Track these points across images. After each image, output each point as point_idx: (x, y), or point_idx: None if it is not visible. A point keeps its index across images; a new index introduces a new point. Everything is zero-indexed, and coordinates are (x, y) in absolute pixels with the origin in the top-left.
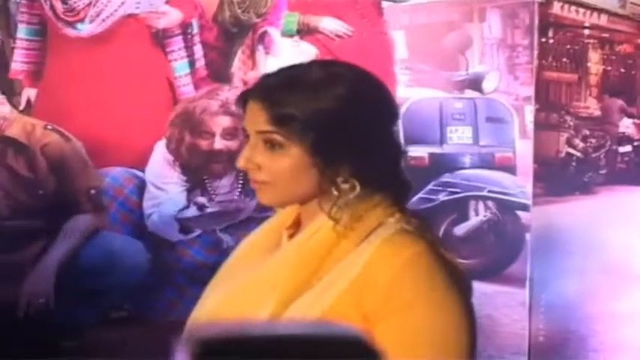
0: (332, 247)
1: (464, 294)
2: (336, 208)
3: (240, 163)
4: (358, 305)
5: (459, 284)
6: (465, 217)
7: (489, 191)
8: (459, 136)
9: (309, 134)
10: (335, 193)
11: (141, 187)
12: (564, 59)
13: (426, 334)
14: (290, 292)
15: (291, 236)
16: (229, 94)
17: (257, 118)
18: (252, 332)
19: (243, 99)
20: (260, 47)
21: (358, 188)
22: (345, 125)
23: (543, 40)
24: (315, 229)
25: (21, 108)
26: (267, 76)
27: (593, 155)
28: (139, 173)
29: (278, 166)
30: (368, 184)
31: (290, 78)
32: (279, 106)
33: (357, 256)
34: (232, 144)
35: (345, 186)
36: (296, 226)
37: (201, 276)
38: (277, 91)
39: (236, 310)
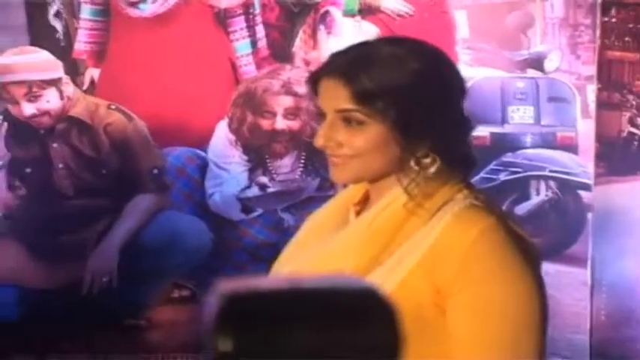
0: (402, 222)
1: (535, 267)
2: (414, 184)
3: (320, 141)
4: (430, 279)
5: (530, 257)
6: (526, 197)
7: (551, 171)
8: (520, 116)
9: (390, 110)
10: (416, 168)
11: (203, 166)
12: (627, 38)
13: (498, 307)
14: (360, 268)
15: (358, 213)
16: (291, 73)
17: (336, 96)
18: (273, 286)
19: (315, 78)
20: (321, 27)
21: (439, 162)
22: (423, 100)
23: (605, 19)
24: (385, 205)
25: (84, 88)
26: (339, 54)
27: None
28: (202, 153)
29: (359, 141)
30: (444, 159)
31: (365, 55)
32: (360, 84)
33: (428, 231)
34: (294, 124)
35: (427, 161)
36: (364, 202)
37: (262, 255)
38: (356, 68)
39: None
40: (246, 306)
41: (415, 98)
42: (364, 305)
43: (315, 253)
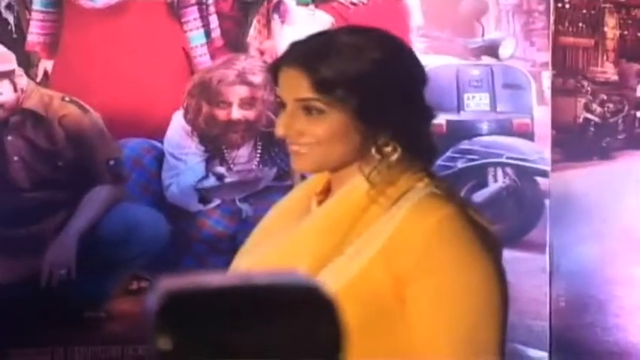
0: (362, 211)
1: (495, 255)
2: (375, 172)
3: (280, 130)
4: (390, 268)
5: (490, 245)
6: (483, 184)
7: (508, 158)
8: (476, 103)
9: (350, 99)
10: (377, 156)
11: (159, 157)
12: (580, 24)
13: (458, 295)
14: (321, 256)
15: (320, 202)
16: (246, 63)
17: (296, 86)
18: (217, 283)
19: (275, 67)
20: (275, 16)
21: (399, 151)
22: (384, 88)
23: (559, 5)
24: (346, 194)
25: (38, 80)
26: (298, 43)
27: (611, 120)
28: (158, 144)
29: (320, 130)
30: (405, 147)
31: (326, 44)
32: (320, 73)
33: (387, 219)
34: (249, 113)
35: (388, 149)
36: (326, 192)
37: (221, 245)
38: (316, 57)
39: None
40: (187, 304)
41: (375, 87)
42: (306, 302)
43: (277, 244)
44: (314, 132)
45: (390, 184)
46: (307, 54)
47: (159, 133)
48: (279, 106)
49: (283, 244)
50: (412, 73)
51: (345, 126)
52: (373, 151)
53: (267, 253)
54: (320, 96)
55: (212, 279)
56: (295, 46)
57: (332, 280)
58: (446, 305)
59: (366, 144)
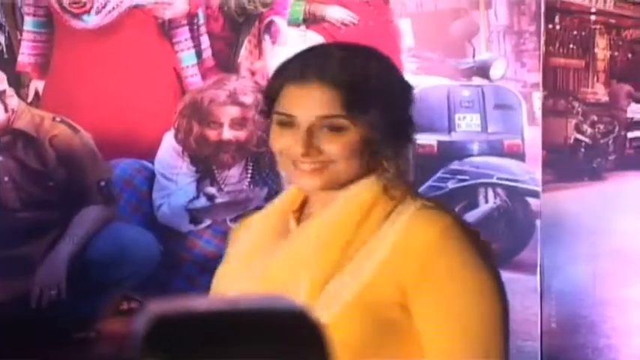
0: (358, 226)
1: (493, 264)
2: (390, 184)
3: (301, 150)
4: (395, 279)
5: (488, 254)
6: (474, 205)
7: (498, 178)
8: (467, 124)
9: (368, 115)
10: (391, 170)
11: (150, 178)
12: (571, 45)
13: (465, 303)
14: (322, 274)
15: (298, 220)
16: (237, 83)
17: (321, 103)
18: (206, 308)
19: (281, 83)
20: (266, 37)
21: (402, 167)
22: (395, 108)
23: (550, 26)
24: (339, 210)
25: (29, 100)
26: (311, 59)
27: (602, 141)
28: (149, 164)
29: (339, 147)
30: (398, 164)
31: (346, 60)
32: (352, 90)
33: (385, 232)
34: (240, 134)
35: (391, 165)
36: (301, 210)
37: (212, 266)
38: (346, 74)
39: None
40: (174, 328)
41: (390, 106)
42: (294, 328)
43: (268, 265)
44: (333, 149)
45: (389, 199)
46: (333, 71)
47: (150, 153)
48: (281, 124)
49: (275, 265)
50: (409, 95)
51: (361, 142)
52: (386, 164)
53: (262, 277)
54: (348, 113)
55: (200, 303)
56: (308, 62)
57: (337, 297)
58: (453, 313)
59: (373, 160)
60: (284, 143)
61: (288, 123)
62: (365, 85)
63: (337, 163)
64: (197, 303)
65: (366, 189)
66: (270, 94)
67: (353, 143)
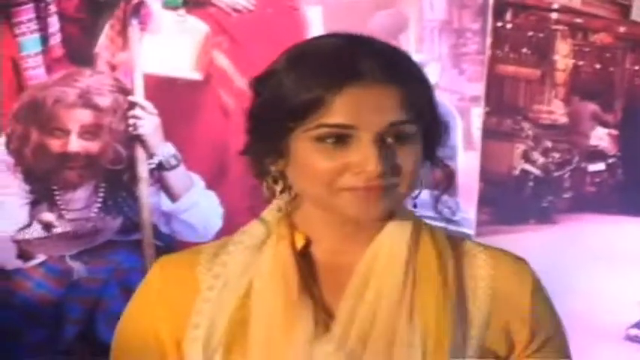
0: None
1: None
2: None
3: (379, 168)
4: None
5: None
6: None
7: (422, 216)
8: None
9: (425, 120)
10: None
11: None
12: (524, 50)
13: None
14: (441, 327)
15: (312, 269)
16: (91, 80)
17: (386, 106)
18: None
19: (340, 86)
20: (134, 21)
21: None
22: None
23: (499, 24)
24: (400, 247)
25: None
26: (363, 53)
27: (556, 174)
28: None
29: (412, 161)
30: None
31: (396, 54)
32: (415, 89)
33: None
34: (92, 145)
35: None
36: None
37: (42, 315)
38: (404, 71)
39: None
40: None
41: (434, 104)
42: None
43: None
44: (404, 165)
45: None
46: (396, 67)
47: None
48: (327, 140)
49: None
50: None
51: (421, 155)
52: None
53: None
54: (413, 117)
55: None
56: (360, 58)
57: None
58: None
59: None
60: (336, 165)
61: (339, 138)
62: (422, 82)
63: (403, 184)
64: None
65: (411, 221)
66: (299, 104)
67: (419, 156)
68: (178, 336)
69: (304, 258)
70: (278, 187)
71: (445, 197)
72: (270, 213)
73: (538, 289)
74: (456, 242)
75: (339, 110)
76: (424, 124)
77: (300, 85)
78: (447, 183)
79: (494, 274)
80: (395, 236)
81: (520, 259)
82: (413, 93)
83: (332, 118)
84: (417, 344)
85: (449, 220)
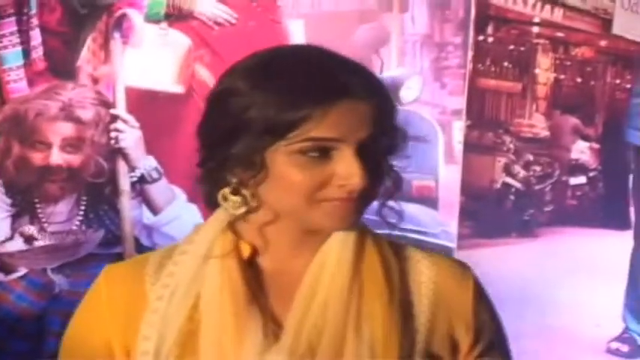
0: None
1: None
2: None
3: (363, 181)
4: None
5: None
6: None
7: (402, 230)
8: None
9: (391, 132)
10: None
11: None
12: (505, 63)
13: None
14: (388, 335)
15: (258, 277)
16: (73, 93)
17: (367, 120)
18: None
19: (331, 102)
20: (116, 35)
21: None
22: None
23: (480, 38)
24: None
25: None
26: (345, 69)
27: (537, 187)
28: None
29: (381, 172)
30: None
31: (364, 69)
32: (385, 103)
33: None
34: (74, 158)
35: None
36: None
37: (24, 328)
38: (378, 85)
39: None
40: None
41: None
42: None
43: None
44: (379, 175)
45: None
46: (368, 82)
47: None
48: (311, 153)
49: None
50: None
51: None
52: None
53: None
54: (383, 130)
55: None
56: (344, 73)
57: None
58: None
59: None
60: (318, 178)
61: (324, 150)
62: (389, 97)
63: (368, 197)
64: None
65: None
66: (283, 119)
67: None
68: (128, 345)
69: (251, 267)
70: (236, 198)
71: (391, 203)
72: (214, 221)
73: (480, 295)
74: (398, 248)
75: (329, 125)
76: (391, 139)
77: (281, 103)
78: (394, 188)
79: (436, 280)
80: (341, 243)
81: (463, 265)
82: (384, 107)
83: (321, 133)
84: (365, 354)
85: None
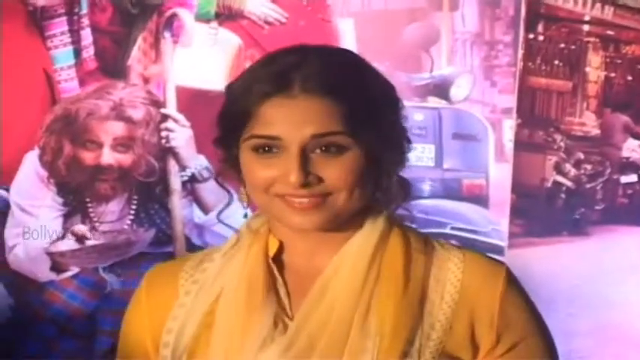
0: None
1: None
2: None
3: (300, 178)
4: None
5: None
6: None
7: (453, 228)
8: (417, 157)
9: (372, 130)
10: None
11: (2, 210)
12: (556, 62)
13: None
14: (396, 325)
15: (281, 274)
16: (124, 93)
17: (313, 118)
18: None
19: (263, 98)
20: (167, 34)
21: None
22: (392, 118)
23: (531, 36)
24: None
25: None
26: (295, 64)
27: (588, 186)
28: (2, 192)
29: (341, 172)
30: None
31: (333, 64)
32: (353, 101)
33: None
34: (124, 158)
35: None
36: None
37: (75, 327)
38: (340, 80)
39: None
40: None
41: (384, 113)
42: None
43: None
44: (333, 175)
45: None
46: (326, 77)
47: (4, 177)
48: (259, 150)
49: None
50: (398, 100)
51: (364, 165)
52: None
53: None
54: (346, 129)
55: None
56: (290, 69)
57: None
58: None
59: (377, 186)
60: (268, 174)
61: (269, 148)
62: (363, 93)
63: (339, 194)
64: None
65: (380, 230)
66: (237, 114)
67: (357, 167)
68: (157, 341)
69: (277, 263)
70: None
71: (402, 211)
72: (255, 220)
73: (511, 294)
74: (432, 245)
75: (265, 122)
76: (367, 137)
77: (238, 96)
78: (402, 197)
79: (462, 278)
80: (359, 247)
81: (495, 263)
82: (350, 106)
83: (259, 130)
84: (369, 349)
85: (479, 232)
